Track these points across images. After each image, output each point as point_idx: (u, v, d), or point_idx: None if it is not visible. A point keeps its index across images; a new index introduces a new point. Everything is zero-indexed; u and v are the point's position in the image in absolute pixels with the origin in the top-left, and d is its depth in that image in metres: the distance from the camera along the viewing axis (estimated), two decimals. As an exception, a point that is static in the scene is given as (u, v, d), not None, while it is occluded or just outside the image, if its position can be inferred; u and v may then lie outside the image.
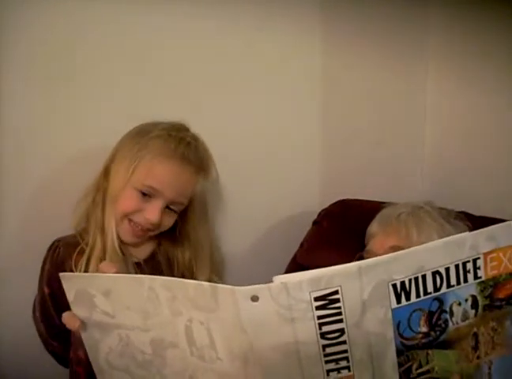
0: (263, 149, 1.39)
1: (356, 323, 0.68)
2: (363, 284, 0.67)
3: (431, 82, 1.51)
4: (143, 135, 1.12)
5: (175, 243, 1.22)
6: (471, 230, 0.73)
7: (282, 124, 1.40)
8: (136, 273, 1.13)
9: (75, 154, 1.25)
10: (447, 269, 0.70)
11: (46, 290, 1.13)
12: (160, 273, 1.16)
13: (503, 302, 0.74)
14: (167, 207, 1.13)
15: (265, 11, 1.35)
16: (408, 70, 1.50)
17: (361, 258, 1.10)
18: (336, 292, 0.67)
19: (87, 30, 1.24)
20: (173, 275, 1.18)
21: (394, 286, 0.69)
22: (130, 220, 1.12)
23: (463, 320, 0.72)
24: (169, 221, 1.15)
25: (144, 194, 1.10)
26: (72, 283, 0.79)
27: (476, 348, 0.74)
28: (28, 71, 1.21)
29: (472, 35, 1.40)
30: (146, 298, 0.74)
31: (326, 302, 0.67)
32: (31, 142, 1.24)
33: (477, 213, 1.23)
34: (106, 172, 1.15)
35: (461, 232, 0.75)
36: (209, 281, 1.21)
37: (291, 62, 1.39)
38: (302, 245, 1.30)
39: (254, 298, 0.66)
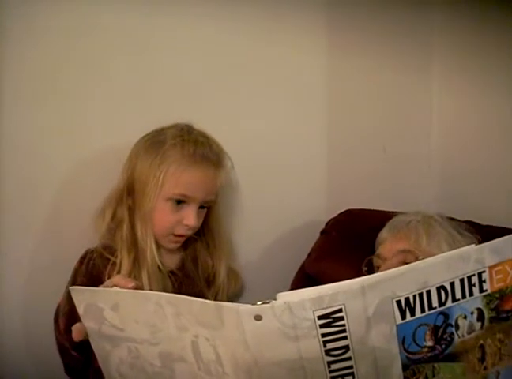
0: (268, 158, 1.38)
1: (361, 339, 0.68)
2: (366, 302, 0.67)
3: (437, 84, 1.48)
4: (158, 147, 1.15)
5: (199, 241, 1.24)
6: (480, 242, 0.73)
7: (287, 132, 1.39)
8: (172, 282, 1.18)
9: (85, 156, 1.25)
10: (452, 284, 0.70)
11: None
12: (192, 280, 1.22)
13: (510, 314, 0.73)
14: (199, 207, 1.17)
15: (271, 12, 1.33)
16: (413, 72, 1.48)
17: (370, 262, 1.11)
18: (340, 310, 0.67)
19: (94, 31, 1.23)
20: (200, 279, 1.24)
21: (398, 302, 0.68)
22: (173, 233, 1.17)
23: (469, 333, 0.72)
24: (201, 220, 1.19)
25: (177, 202, 1.14)
26: (81, 296, 0.81)
27: (482, 360, 0.74)
28: (34, 74, 1.21)
29: (476, 36, 1.38)
30: (153, 312, 0.75)
31: (330, 320, 0.67)
32: (39, 145, 1.24)
33: (485, 222, 1.23)
34: (129, 190, 1.17)
35: (470, 243, 0.74)
36: (228, 268, 1.25)
37: (295, 66, 1.37)
38: (310, 254, 1.29)
39: (258, 317, 0.67)
